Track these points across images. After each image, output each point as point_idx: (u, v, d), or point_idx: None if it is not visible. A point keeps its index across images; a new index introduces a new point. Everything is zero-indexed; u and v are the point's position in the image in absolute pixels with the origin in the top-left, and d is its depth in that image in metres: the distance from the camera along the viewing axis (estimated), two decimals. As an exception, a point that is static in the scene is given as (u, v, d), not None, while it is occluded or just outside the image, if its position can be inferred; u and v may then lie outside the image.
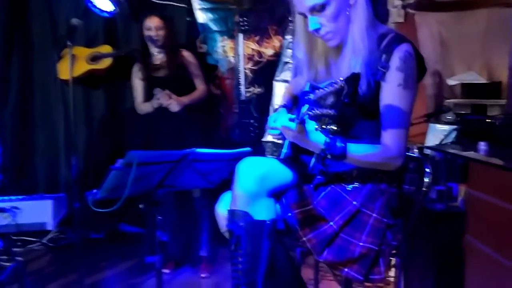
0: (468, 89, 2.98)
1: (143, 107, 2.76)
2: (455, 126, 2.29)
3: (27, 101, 3.27)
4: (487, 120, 1.80)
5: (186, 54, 2.78)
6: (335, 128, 1.07)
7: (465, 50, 3.34)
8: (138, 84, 2.78)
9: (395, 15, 3.27)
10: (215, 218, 2.72)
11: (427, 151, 2.33)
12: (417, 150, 2.19)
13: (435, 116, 2.92)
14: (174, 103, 2.60)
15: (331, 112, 1.05)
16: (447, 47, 3.33)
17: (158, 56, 2.74)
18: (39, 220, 1.66)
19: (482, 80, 3.18)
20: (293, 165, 1.48)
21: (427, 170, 1.49)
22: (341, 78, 1.06)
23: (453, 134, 2.10)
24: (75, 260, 2.52)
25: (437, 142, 2.44)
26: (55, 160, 3.30)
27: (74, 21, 2.22)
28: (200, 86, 2.79)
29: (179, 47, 2.80)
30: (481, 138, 1.67)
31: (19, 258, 2.07)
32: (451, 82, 3.29)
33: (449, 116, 2.88)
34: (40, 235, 3.13)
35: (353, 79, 1.05)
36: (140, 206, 1.60)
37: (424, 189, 1.50)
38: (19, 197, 1.74)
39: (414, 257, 1.78)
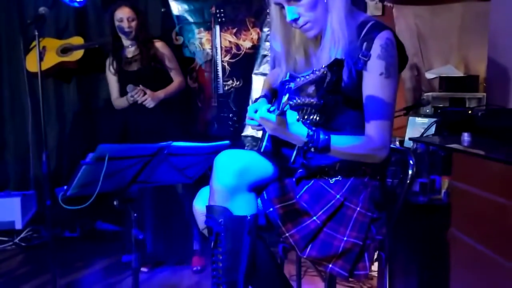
0: (446, 83, 3.02)
1: (118, 102, 2.68)
2: (435, 119, 2.29)
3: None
4: (469, 112, 1.78)
5: (160, 45, 2.69)
6: (318, 118, 1.01)
7: (442, 43, 3.37)
8: (112, 79, 2.69)
9: (373, 8, 3.27)
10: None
11: (408, 144, 2.32)
12: (398, 143, 2.17)
13: (414, 109, 2.93)
14: (149, 99, 2.51)
15: (313, 101, 1.00)
16: (424, 41, 3.35)
17: (130, 48, 2.65)
18: (7, 219, 1.55)
19: (459, 73, 3.22)
20: (273, 158, 1.43)
21: (411, 162, 1.46)
22: (324, 66, 1.00)
23: (433, 127, 2.09)
24: (49, 260, 2.44)
25: (417, 135, 2.43)
26: (25, 156, 3.19)
27: (42, 9, 2.11)
28: (177, 78, 2.70)
29: (152, 38, 2.70)
30: (462, 129, 1.65)
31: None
32: (429, 75, 3.32)
33: (428, 109, 2.90)
34: (12, 235, 3.03)
35: (337, 65, 1.00)
36: (114, 203, 1.52)
37: (407, 181, 1.47)
38: (-16, 194, 1.63)
39: (397, 251, 1.75)
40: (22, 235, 3.03)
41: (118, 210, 2.61)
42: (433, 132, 2.15)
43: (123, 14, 2.57)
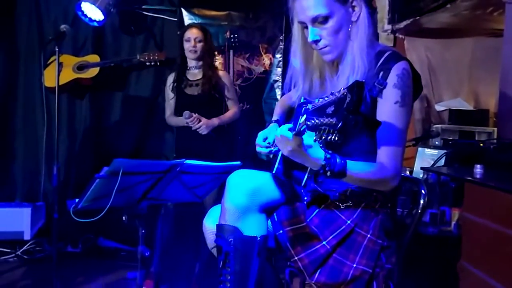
0: (456, 115, 3.02)
1: (174, 120, 2.74)
2: (445, 151, 2.30)
3: (9, 106, 3.20)
4: (480, 145, 1.79)
5: (222, 74, 2.76)
6: (336, 138, 1.01)
7: (453, 77, 3.41)
8: (169, 95, 2.76)
9: (385, 39, 3.33)
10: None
11: (418, 175, 2.32)
12: (408, 172, 2.17)
13: (423, 140, 2.94)
14: (204, 126, 2.56)
15: (332, 120, 1.00)
16: (435, 73, 3.39)
17: (194, 71, 2.72)
18: (16, 229, 1.55)
19: (469, 107, 3.24)
20: (285, 181, 1.43)
21: (423, 191, 1.46)
22: (343, 88, 1.02)
23: (443, 159, 2.09)
24: (50, 273, 2.43)
25: (426, 166, 2.43)
26: (35, 168, 3.21)
27: (63, 27, 2.18)
28: (233, 108, 2.76)
29: (214, 65, 2.78)
30: (473, 162, 1.65)
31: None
32: (439, 107, 3.34)
33: (437, 141, 2.91)
34: (14, 247, 3.02)
35: (357, 86, 1.01)
36: (123, 218, 1.52)
37: (419, 211, 1.46)
38: (-3, 204, 1.64)
39: (406, 282, 1.73)
40: (25, 248, 3.04)
41: (122, 228, 2.65)
42: (442, 164, 2.15)
43: (191, 34, 2.65)
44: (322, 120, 1.02)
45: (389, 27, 3.23)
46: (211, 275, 2.62)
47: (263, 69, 3.28)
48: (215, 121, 2.61)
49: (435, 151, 2.60)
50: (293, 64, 1.48)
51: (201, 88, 2.66)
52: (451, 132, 2.89)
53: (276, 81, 3.29)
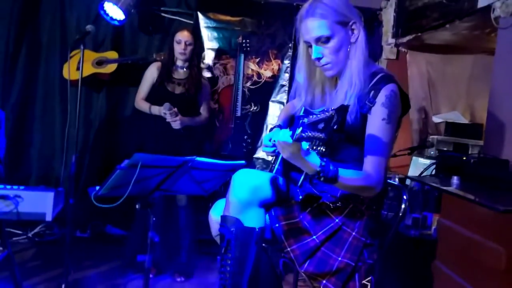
0: (452, 128, 3.16)
1: (143, 104, 2.82)
2: (434, 161, 2.45)
3: (30, 97, 3.34)
4: (463, 158, 1.95)
5: (204, 82, 2.89)
6: (324, 149, 1.20)
7: (451, 90, 3.56)
8: (148, 81, 2.84)
9: (388, 52, 3.48)
10: (197, 227, 2.84)
11: (407, 182, 2.48)
12: (397, 180, 2.34)
13: (418, 150, 3.09)
14: (178, 122, 2.69)
15: (321, 135, 1.19)
16: (434, 86, 3.54)
17: (181, 70, 2.83)
18: (40, 210, 1.73)
19: (464, 120, 3.39)
20: (283, 180, 1.61)
21: (404, 197, 1.63)
22: (333, 108, 1.20)
23: (432, 168, 2.25)
24: (59, 255, 2.55)
25: (419, 174, 2.59)
26: (51, 155, 3.38)
27: (89, 27, 2.35)
28: (204, 113, 2.90)
29: (200, 68, 2.91)
30: (456, 173, 1.81)
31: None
32: (436, 119, 3.50)
33: (432, 151, 3.05)
34: (26, 229, 3.19)
35: (343, 109, 1.19)
36: (137, 206, 1.69)
37: (400, 214, 1.63)
38: (21, 187, 1.81)
39: (387, 277, 1.90)
40: (36, 230, 3.22)
41: (130, 216, 2.81)
42: (432, 173, 2.31)
43: (182, 37, 2.75)
44: (314, 133, 1.20)
45: (393, 40, 3.39)
46: (195, 260, 2.83)
47: (271, 74, 3.44)
48: (186, 120, 2.74)
49: (428, 161, 2.75)
50: (297, 79, 1.65)
51: (183, 88, 2.77)
52: (446, 143, 3.02)
53: (283, 85, 3.44)
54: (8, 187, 1.79)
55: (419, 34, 3.07)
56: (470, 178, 1.75)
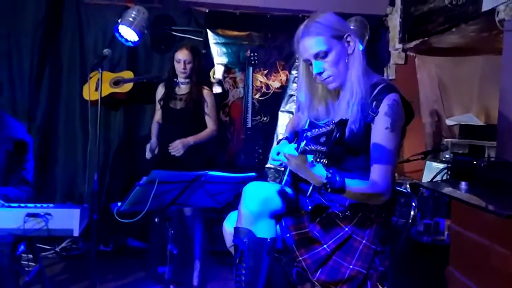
0: (466, 130, 3.12)
1: (154, 128, 3.00)
2: (448, 165, 2.44)
3: (53, 118, 3.50)
4: (473, 162, 1.96)
5: (206, 92, 2.92)
6: (326, 161, 1.27)
7: (463, 92, 3.55)
8: (157, 106, 2.99)
9: (396, 57, 3.51)
10: (212, 238, 2.90)
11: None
12: (408, 186, 2.36)
13: (432, 154, 3.09)
14: (178, 149, 2.75)
15: (323, 148, 1.25)
16: (445, 89, 3.54)
17: (182, 86, 2.90)
18: (68, 227, 1.84)
19: (479, 122, 3.36)
20: (292, 191, 1.66)
21: (413, 204, 1.66)
22: (334, 121, 1.26)
23: (444, 173, 2.26)
24: (85, 269, 2.68)
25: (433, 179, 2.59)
26: (74, 173, 3.51)
27: (106, 51, 2.48)
28: (211, 126, 2.90)
29: (202, 83, 2.94)
30: (467, 178, 1.82)
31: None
32: (449, 122, 3.49)
33: (447, 155, 3.04)
34: (53, 244, 3.32)
35: (341, 124, 1.26)
36: (156, 220, 1.77)
37: (410, 221, 1.66)
38: (51, 204, 1.94)
39: (401, 284, 1.93)
40: (62, 245, 3.35)
41: (150, 229, 2.90)
42: (446, 178, 2.31)
43: (181, 56, 2.82)
44: (316, 147, 1.26)
45: (400, 46, 3.42)
46: (210, 271, 2.88)
47: (279, 85, 3.53)
48: (190, 140, 2.78)
49: (442, 165, 2.74)
50: (299, 98, 1.72)
51: (184, 103, 2.84)
52: (461, 146, 3.00)
53: (291, 95, 3.52)
54: (38, 205, 1.91)
55: (426, 38, 3.10)
56: (480, 183, 1.76)
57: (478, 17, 2.51)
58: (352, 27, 3.25)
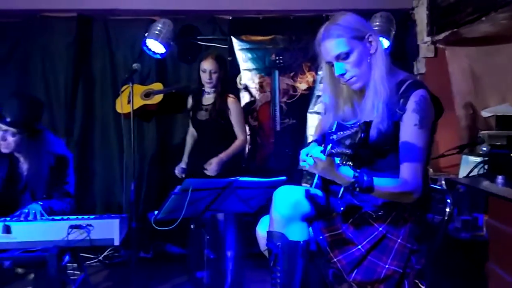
0: (503, 121, 3.00)
1: (188, 140, 3.06)
2: (484, 159, 2.37)
3: (89, 132, 3.64)
4: (511, 155, 1.90)
5: (231, 100, 2.87)
6: (351, 164, 1.27)
7: (498, 82, 3.42)
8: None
9: (425, 51, 3.43)
10: (242, 237, 2.92)
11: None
12: (444, 182, 2.31)
13: (468, 147, 3.00)
14: (212, 168, 2.72)
15: (348, 151, 1.26)
16: (479, 80, 3.43)
17: (209, 95, 2.89)
18: (109, 236, 1.93)
19: (516, 112, 3.23)
20: (323, 193, 1.67)
21: (448, 201, 1.63)
22: (358, 124, 1.27)
23: (480, 167, 2.20)
24: (127, 276, 2.77)
25: (471, 174, 2.51)
26: (111, 185, 3.63)
27: (135, 65, 2.57)
28: (240, 136, 2.84)
29: (227, 91, 2.92)
30: (505, 172, 1.77)
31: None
32: (485, 114, 3.37)
33: (484, 148, 2.95)
34: (96, 253, 3.45)
35: (365, 125, 1.26)
36: (191, 226, 1.82)
37: (445, 217, 1.63)
38: (91, 216, 2.04)
39: (440, 282, 1.89)
40: (105, 253, 3.48)
41: (187, 235, 2.96)
42: (483, 172, 2.24)
43: (207, 66, 2.81)
44: (342, 150, 1.27)
45: (429, 38, 3.35)
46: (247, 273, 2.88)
47: (306, 86, 3.52)
48: (223, 157, 2.74)
49: (479, 159, 2.66)
50: (324, 100, 1.73)
51: (208, 113, 2.81)
52: (499, 138, 2.90)
53: (319, 96, 3.50)
54: (80, 217, 2.02)
55: (456, 29, 3.02)
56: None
57: (507, 4, 2.43)
58: (377, 23, 3.22)
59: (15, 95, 2.19)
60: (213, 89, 2.87)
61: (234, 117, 2.84)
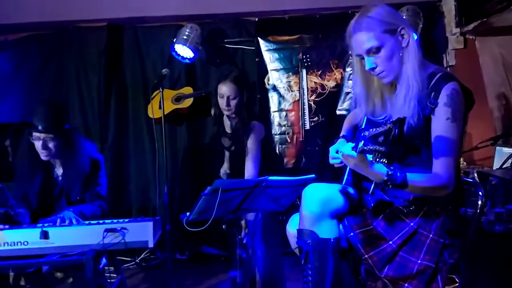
0: (539, 111, 2.96)
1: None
2: (516, 150, 2.31)
3: (122, 137, 3.75)
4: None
5: (253, 125, 2.58)
6: (385, 161, 1.27)
7: (532, 70, 3.31)
8: None
9: (454, 42, 3.37)
10: (276, 236, 2.91)
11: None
12: (476, 174, 2.26)
13: (502, 139, 2.93)
14: None
15: (381, 148, 1.26)
16: (511, 69, 3.33)
17: (229, 122, 2.65)
18: (143, 239, 1.99)
19: (553, 101, 3.13)
20: (354, 190, 1.68)
21: (480, 193, 1.61)
22: (391, 120, 1.27)
23: (516, 158, 2.15)
24: (164, 278, 2.82)
25: (505, 165, 2.47)
26: (145, 188, 3.73)
27: (165, 71, 2.65)
28: (249, 170, 2.49)
29: (253, 117, 2.63)
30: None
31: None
32: (519, 103, 3.28)
33: (520, 139, 2.87)
34: (133, 256, 3.55)
35: (400, 122, 1.25)
36: (223, 226, 1.86)
37: (477, 211, 1.61)
38: (126, 219, 2.11)
39: (475, 276, 1.86)
40: (142, 256, 3.56)
41: (221, 236, 3.00)
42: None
43: (225, 91, 2.54)
44: (375, 147, 1.28)
45: (458, 30, 3.28)
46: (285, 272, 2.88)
47: (335, 83, 3.52)
48: None
49: (512, 150, 2.60)
50: (355, 91, 1.73)
51: (232, 143, 2.61)
52: (535, 128, 2.84)
53: (348, 93, 3.49)
54: (115, 221, 2.08)
55: (485, 19, 2.95)
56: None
57: (539, -9, 2.36)
58: (403, 17, 3.17)
59: (38, 103, 2.27)
60: (233, 115, 2.64)
61: (250, 148, 2.53)
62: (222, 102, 2.56)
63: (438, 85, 1.49)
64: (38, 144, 2.22)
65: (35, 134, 2.21)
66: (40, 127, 2.18)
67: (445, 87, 1.48)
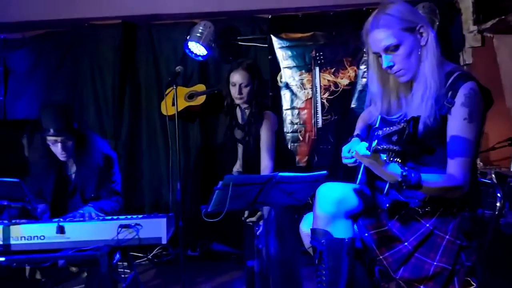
0: (559, 110, 2.89)
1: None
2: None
3: (136, 134, 3.78)
4: None
5: (267, 116, 2.49)
6: (399, 160, 1.25)
7: (551, 69, 3.24)
8: None
9: (472, 40, 3.31)
10: (294, 235, 2.89)
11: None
12: (494, 175, 2.22)
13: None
14: None
15: (395, 148, 1.24)
16: (531, 67, 3.26)
17: (241, 113, 2.59)
18: (156, 235, 2.00)
19: None
20: (368, 190, 1.66)
21: (498, 195, 1.58)
22: (405, 119, 1.24)
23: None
24: (176, 273, 2.84)
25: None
26: (158, 185, 3.75)
27: (178, 68, 2.66)
28: (265, 163, 2.39)
29: (264, 107, 2.56)
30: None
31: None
32: (538, 102, 3.21)
33: (539, 139, 2.81)
34: (146, 252, 3.58)
35: (414, 121, 1.23)
36: (242, 218, 1.86)
37: (496, 212, 1.58)
38: (140, 215, 2.12)
39: (493, 279, 1.83)
40: (154, 252, 3.59)
41: (232, 234, 3.00)
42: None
43: (237, 79, 2.47)
44: (388, 146, 1.26)
45: (475, 27, 3.22)
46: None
47: (348, 81, 3.48)
48: None
49: (532, 150, 2.55)
50: (371, 89, 1.70)
51: (244, 134, 2.53)
52: (555, 127, 2.78)
53: (361, 91, 3.45)
54: (129, 217, 2.10)
55: (503, 16, 2.89)
56: None
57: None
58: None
59: (43, 107, 2.26)
60: (246, 105, 2.55)
61: (264, 140, 2.45)
62: (234, 91, 2.49)
63: (455, 84, 1.46)
64: (56, 148, 2.23)
65: (50, 138, 2.21)
66: (52, 131, 2.18)
67: (463, 86, 1.45)
